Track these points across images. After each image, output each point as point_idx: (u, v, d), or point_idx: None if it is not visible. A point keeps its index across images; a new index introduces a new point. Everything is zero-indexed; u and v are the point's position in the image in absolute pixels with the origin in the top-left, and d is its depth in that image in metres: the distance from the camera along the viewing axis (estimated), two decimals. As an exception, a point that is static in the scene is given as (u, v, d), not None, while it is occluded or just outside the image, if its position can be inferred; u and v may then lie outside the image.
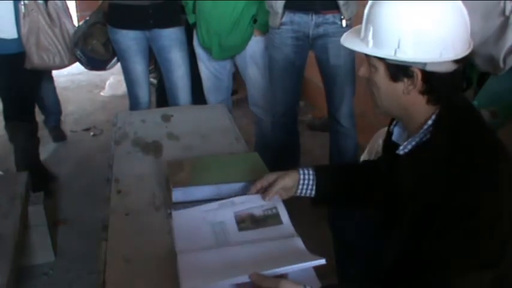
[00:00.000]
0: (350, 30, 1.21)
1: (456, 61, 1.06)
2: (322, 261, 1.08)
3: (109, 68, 2.89)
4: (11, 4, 2.48)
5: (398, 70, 1.07)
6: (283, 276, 1.05)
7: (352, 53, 2.28)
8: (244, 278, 1.05)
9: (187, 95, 2.77)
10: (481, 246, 0.98)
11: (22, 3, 2.49)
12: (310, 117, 3.76)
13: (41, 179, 2.74)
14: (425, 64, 1.04)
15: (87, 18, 2.76)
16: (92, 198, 2.69)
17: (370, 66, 1.13)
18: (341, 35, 1.21)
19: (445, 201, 1.00)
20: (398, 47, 1.04)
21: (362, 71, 1.16)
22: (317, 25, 2.20)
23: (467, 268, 0.98)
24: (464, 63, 1.10)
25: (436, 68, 1.05)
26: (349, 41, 1.17)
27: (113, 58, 2.78)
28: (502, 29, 1.67)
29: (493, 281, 1.01)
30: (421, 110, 1.10)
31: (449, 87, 1.08)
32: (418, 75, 1.06)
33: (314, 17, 2.19)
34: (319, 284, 1.10)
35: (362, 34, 1.14)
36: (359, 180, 1.40)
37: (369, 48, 1.10)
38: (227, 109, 2.36)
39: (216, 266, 1.13)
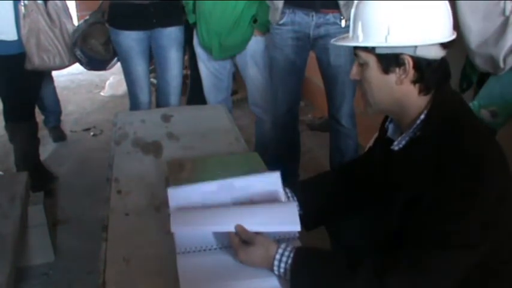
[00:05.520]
0: (339, 36, 1.25)
1: (444, 46, 1.10)
2: (297, 228, 1.19)
3: (109, 68, 2.89)
4: (10, 5, 2.47)
5: (390, 60, 1.10)
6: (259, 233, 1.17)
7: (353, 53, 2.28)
8: (229, 228, 1.16)
9: (179, 93, 2.79)
10: (461, 228, 1.01)
11: (22, 3, 2.49)
12: (310, 117, 3.76)
13: (41, 179, 2.74)
14: (415, 48, 1.07)
15: (87, 17, 2.76)
16: (92, 198, 2.68)
17: (359, 66, 1.16)
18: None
19: (431, 189, 1.04)
20: (389, 33, 1.08)
21: (353, 73, 1.19)
22: (318, 25, 2.20)
23: (445, 246, 1.01)
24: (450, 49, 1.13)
25: (426, 53, 1.08)
26: (339, 40, 1.22)
27: (113, 58, 2.78)
28: (502, 29, 1.67)
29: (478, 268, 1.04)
30: (414, 101, 1.13)
31: (439, 75, 1.12)
32: (410, 63, 1.09)
33: (315, 17, 2.19)
34: (298, 243, 1.20)
35: (351, 34, 1.18)
36: (344, 188, 1.42)
37: (359, 42, 1.13)
38: (227, 109, 2.36)
39: (216, 267, 1.15)
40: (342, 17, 2.16)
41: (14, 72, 2.56)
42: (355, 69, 1.18)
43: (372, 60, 1.12)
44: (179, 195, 1.29)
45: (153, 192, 1.53)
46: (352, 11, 1.17)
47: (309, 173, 2.67)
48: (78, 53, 2.72)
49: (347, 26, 2.16)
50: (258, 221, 1.19)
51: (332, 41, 1.26)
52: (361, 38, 1.13)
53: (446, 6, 1.11)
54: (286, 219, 1.20)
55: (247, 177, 1.33)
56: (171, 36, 2.63)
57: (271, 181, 1.32)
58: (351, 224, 1.38)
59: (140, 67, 2.68)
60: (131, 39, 2.60)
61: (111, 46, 2.70)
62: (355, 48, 1.15)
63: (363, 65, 1.15)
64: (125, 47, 2.62)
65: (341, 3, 2.12)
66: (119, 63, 2.80)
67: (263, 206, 1.25)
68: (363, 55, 1.14)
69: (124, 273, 1.19)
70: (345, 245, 1.42)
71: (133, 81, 2.72)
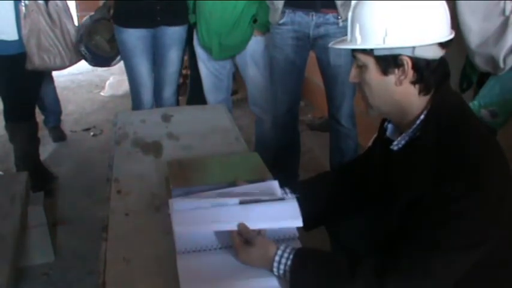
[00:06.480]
0: (337, 40, 1.26)
1: (442, 46, 1.10)
2: (299, 223, 1.21)
3: (114, 65, 2.88)
4: (11, 5, 2.48)
5: (388, 62, 1.10)
6: (260, 232, 1.19)
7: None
8: (231, 226, 1.17)
9: (173, 88, 2.81)
10: (461, 228, 1.01)
11: (23, 4, 2.49)
12: (310, 117, 3.76)
13: (41, 179, 2.74)
14: (413, 49, 1.07)
15: (92, 13, 2.76)
16: (92, 198, 2.69)
17: (358, 69, 1.16)
18: (342, 35, 1.23)
19: (431, 189, 1.04)
20: (386, 35, 1.08)
21: (352, 76, 1.19)
22: (318, 25, 2.20)
23: (445, 246, 1.01)
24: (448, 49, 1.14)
25: (424, 53, 1.08)
26: (337, 44, 1.22)
27: (117, 55, 2.77)
28: (502, 29, 1.67)
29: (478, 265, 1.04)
30: (414, 102, 1.13)
31: (439, 75, 1.12)
32: (408, 63, 1.09)
33: (315, 17, 2.19)
34: (298, 244, 1.21)
35: (349, 36, 1.18)
36: (343, 189, 1.43)
37: (357, 44, 1.13)
38: (227, 109, 2.36)
39: (216, 267, 1.15)
40: (339, 17, 2.16)
41: (15, 72, 2.56)
42: (354, 72, 1.18)
43: (370, 62, 1.12)
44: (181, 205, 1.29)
45: (153, 192, 1.53)
46: (349, 13, 1.17)
47: (309, 173, 2.67)
48: (82, 49, 2.72)
49: (345, 26, 2.18)
50: (259, 218, 1.19)
51: (330, 44, 1.26)
52: (359, 40, 1.13)
53: (443, 6, 1.11)
54: (287, 215, 1.21)
55: (246, 186, 1.35)
56: (174, 35, 2.63)
57: (269, 188, 1.33)
58: (351, 224, 1.38)
59: (143, 66, 2.67)
60: (135, 38, 2.59)
61: (116, 43, 2.69)
62: (354, 50, 1.15)
63: (362, 67, 1.15)
64: (128, 45, 2.61)
65: (338, 3, 2.12)
66: (120, 63, 2.79)
67: (264, 203, 1.25)
68: (362, 57, 1.13)
69: (124, 273, 1.19)
70: (345, 245, 1.42)
71: (137, 82, 2.71)
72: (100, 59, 2.81)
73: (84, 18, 2.79)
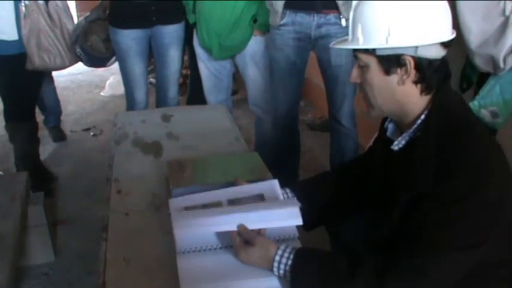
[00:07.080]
0: (338, 40, 1.26)
1: (444, 46, 1.11)
2: (299, 222, 1.21)
3: (109, 65, 2.89)
4: (11, 5, 2.48)
5: (391, 61, 1.10)
6: (261, 232, 1.19)
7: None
8: (231, 227, 1.17)
9: (176, 87, 2.82)
10: (461, 228, 1.01)
11: (23, 4, 2.49)
12: (310, 117, 3.77)
13: (41, 179, 2.74)
14: (416, 48, 1.08)
15: (87, 14, 2.76)
16: (92, 198, 2.69)
17: (360, 69, 1.16)
18: (343, 35, 1.23)
19: (431, 189, 1.04)
20: (389, 34, 1.08)
21: (353, 76, 1.18)
22: (319, 26, 2.20)
23: (445, 247, 1.02)
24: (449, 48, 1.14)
25: (427, 53, 1.09)
26: (339, 44, 1.22)
27: (113, 55, 2.78)
28: (502, 29, 1.66)
29: (478, 267, 1.04)
30: (415, 102, 1.13)
31: (441, 74, 1.12)
32: (411, 63, 1.09)
33: (316, 17, 2.19)
34: (298, 244, 1.21)
35: (350, 36, 1.18)
36: (343, 191, 1.43)
37: (360, 44, 1.13)
38: (227, 109, 2.36)
39: (216, 267, 1.15)
40: (341, 16, 2.16)
41: (15, 72, 2.56)
42: (355, 72, 1.18)
43: (372, 62, 1.12)
44: (180, 201, 1.31)
45: (153, 192, 1.53)
46: (351, 14, 1.17)
47: (309, 173, 2.67)
48: (78, 50, 2.72)
49: (347, 26, 2.17)
50: (259, 218, 1.19)
51: (331, 44, 1.26)
52: (361, 40, 1.13)
53: (444, 5, 1.12)
54: (287, 214, 1.21)
55: (245, 186, 1.35)
56: (172, 35, 2.64)
57: (269, 188, 1.33)
58: (351, 224, 1.38)
59: (138, 67, 2.68)
60: (130, 39, 2.60)
61: (111, 43, 2.70)
62: (355, 50, 1.15)
63: (364, 68, 1.15)
64: (123, 46, 2.62)
65: (339, 2, 2.12)
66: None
67: (264, 203, 1.25)
68: (363, 57, 1.13)
69: (124, 274, 1.19)
70: (345, 245, 1.42)
71: (131, 82, 2.72)
72: (95, 60, 2.81)
73: (80, 19, 2.80)
